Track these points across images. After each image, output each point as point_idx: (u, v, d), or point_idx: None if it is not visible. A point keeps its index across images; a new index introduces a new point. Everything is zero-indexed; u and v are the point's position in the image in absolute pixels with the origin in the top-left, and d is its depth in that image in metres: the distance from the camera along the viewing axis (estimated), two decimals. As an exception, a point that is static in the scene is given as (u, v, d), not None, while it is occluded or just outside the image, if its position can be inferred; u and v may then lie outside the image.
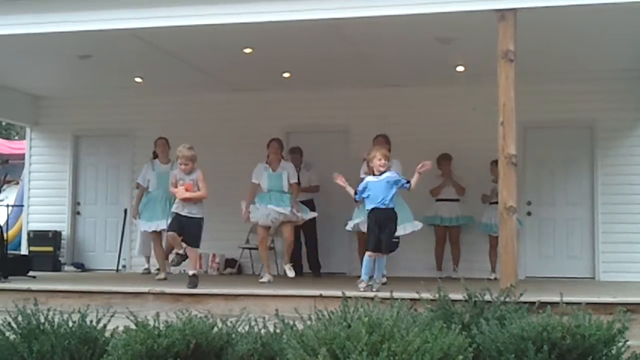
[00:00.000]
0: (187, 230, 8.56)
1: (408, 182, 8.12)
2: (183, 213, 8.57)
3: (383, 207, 8.04)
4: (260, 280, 9.55)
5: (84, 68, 11.09)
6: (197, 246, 8.68)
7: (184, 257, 8.48)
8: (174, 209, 8.71)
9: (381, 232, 8.02)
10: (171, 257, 8.87)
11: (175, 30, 8.44)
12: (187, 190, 8.58)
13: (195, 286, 8.17)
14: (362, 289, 7.73)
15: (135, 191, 11.62)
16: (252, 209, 9.79)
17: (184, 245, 8.55)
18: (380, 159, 8.11)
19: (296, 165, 11.21)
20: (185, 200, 8.55)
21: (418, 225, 9.30)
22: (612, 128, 11.40)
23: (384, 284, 8.22)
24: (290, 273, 9.64)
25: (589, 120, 11.48)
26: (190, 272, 8.44)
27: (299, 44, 9.62)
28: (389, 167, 8.24)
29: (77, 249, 13.25)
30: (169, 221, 8.93)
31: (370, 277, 8.06)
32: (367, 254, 8.12)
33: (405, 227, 9.06)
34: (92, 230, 13.28)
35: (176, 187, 8.70)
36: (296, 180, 10.01)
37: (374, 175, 8.17)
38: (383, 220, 8.03)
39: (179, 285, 8.26)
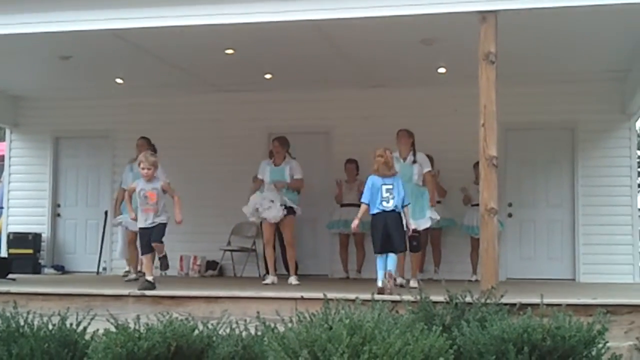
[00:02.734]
0: (153, 234, 8.53)
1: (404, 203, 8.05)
2: (147, 225, 8.53)
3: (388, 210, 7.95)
4: (264, 282, 9.55)
5: (64, 69, 11.03)
6: (160, 241, 8.57)
7: (153, 285, 8.35)
8: (139, 224, 8.63)
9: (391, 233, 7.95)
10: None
11: (156, 31, 8.40)
12: (150, 199, 8.52)
13: (167, 267, 8.29)
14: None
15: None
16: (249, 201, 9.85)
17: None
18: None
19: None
20: (148, 211, 8.53)
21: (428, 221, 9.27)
22: (593, 130, 11.46)
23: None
24: (296, 282, 9.61)
25: (570, 121, 11.53)
26: (160, 256, 8.47)
27: (281, 45, 9.61)
28: (376, 171, 8.16)
29: (57, 251, 13.16)
30: (139, 241, 8.83)
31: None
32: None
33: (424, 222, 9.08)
34: (73, 232, 13.21)
35: (130, 195, 8.67)
36: (300, 177, 9.95)
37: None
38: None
39: (159, 288, 8.22)
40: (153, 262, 8.62)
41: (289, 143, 10.18)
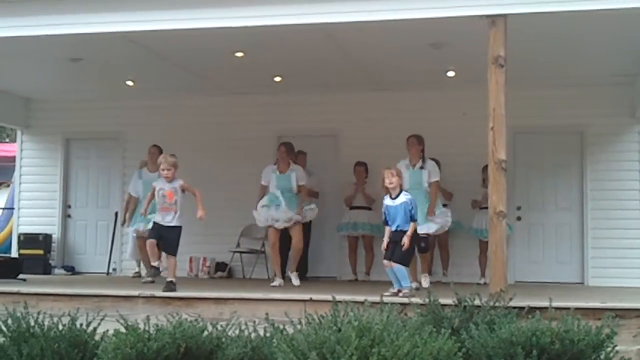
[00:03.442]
0: (166, 239, 8.59)
1: (412, 218, 8.16)
2: (163, 223, 8.58)
3: (399, 230, 8.15)
4: (272, 284, 9.55)
5: (75, 71, 11.08)
6: (175, 254, 8.70)
7: (158, 270, 8.42)
8: (156, 220, 8.74)
9: (395, 247, 8.13)
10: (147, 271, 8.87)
11: (167, 33, 8.45)
12: (168, 197, 8.57)
13: (172, 291, 8.19)
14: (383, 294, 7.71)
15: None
16: (258, 211, 9.89)
17: (162, 255, 8.58)
18: (385, 179, 8.21)
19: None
20: (167, 210, 8.58)
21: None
22: (602, 133, 11.45)
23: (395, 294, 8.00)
24: (296, 281, 9.67)
25: (579, 125, 11.52)
26: (168, 279, 8.42)
27: (291, 48, 9.64)
28: (400, 185, 8.28)
29: (67, 252, 13.21)
30: (149, 229, 8.93)
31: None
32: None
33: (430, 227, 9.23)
34: (83, 233, 13.25)
35: (152, 197, 8.72)
36: (304, 183, 10.08)
37: (390, 196, 8.26)
38: (399, 240, 8.14)
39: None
40: (160, 257, 8.69)
41: (294, 148, 10.24)
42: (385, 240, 8.33)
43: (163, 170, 8.69)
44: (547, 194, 11.72)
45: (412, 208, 8.17)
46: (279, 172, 10.00)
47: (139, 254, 11.12)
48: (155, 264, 8.53)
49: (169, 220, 8.59)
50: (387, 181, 8.18)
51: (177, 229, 8.65)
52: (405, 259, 8.20)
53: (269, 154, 11.25)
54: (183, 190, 8.71)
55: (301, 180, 10.04)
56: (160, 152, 10.54)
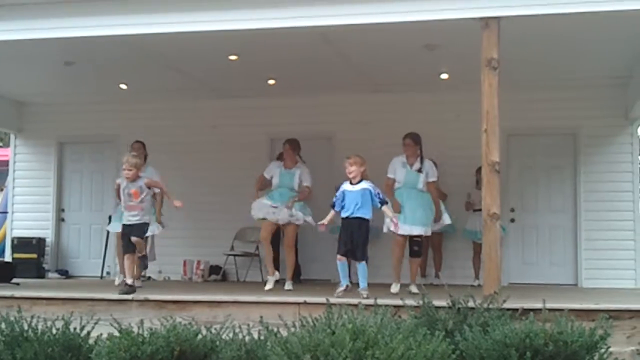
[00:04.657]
0: (133, 234, 8.52)
1: (381, 201, 8.14)
2: (128, 222, 8.55)
3: (354, 217, 8.09)
4: (266, 287, 9.23)
5: (68, 74, 11.07)
6: (133, 252, 8.59)
7: (133, 289, 8.35)
8: (123, 221, 8.68)
9: (353, 239, 8.08)
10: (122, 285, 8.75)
11: (160, 37, 8.43)
12: (134, 196, 8.52)
13: (130, 293, 8.12)
14: (335, 295, 7.81)
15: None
16: (254, 204, 9.75)
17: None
18: (346, 167, 8.22)
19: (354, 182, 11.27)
20: (132, 208, 8.55)
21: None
22: (595, 135, 11.48)
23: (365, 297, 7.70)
24: (288, 286, 9.45)
25: (572, 127, 11.55)
26: (128, 281, 8.43)
27: (285, 51, 9.64)
28: (365, 175, 8.23)
29: (61, 256, 13.19)
30: (122, 240, 8.83)
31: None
32: (337, 257, 8.26)
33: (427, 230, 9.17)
34: (77, 237, 13.23)
35: (119, 196, 8.68)
36: (308, 184, 9.86)
37: (350, 182, 8.23)
38: (355, 229, 8.09)
39: (162, 293, 8.25)
40: (134, 264, 8.64)
41: (300, 146, 10.15)
42: (325, 221, 8.37)
43: (124, 170, 8.64)
44: (540, 195, 11.75)
45: (378, 193, 8.15)
46: (284, 167, 9.92)
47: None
48: (129, 281, 8.44)
49: (134, 218, 8.55)
50: (346, 170, 8.19)
51: (143, 225, 8.60)
52: (366, 254, 8.15)
53: (263, 157, 11.25)
54: (149, 187, 8.67)
55: (306, 181, 9.82)
56: (143, 147, 10.50)
